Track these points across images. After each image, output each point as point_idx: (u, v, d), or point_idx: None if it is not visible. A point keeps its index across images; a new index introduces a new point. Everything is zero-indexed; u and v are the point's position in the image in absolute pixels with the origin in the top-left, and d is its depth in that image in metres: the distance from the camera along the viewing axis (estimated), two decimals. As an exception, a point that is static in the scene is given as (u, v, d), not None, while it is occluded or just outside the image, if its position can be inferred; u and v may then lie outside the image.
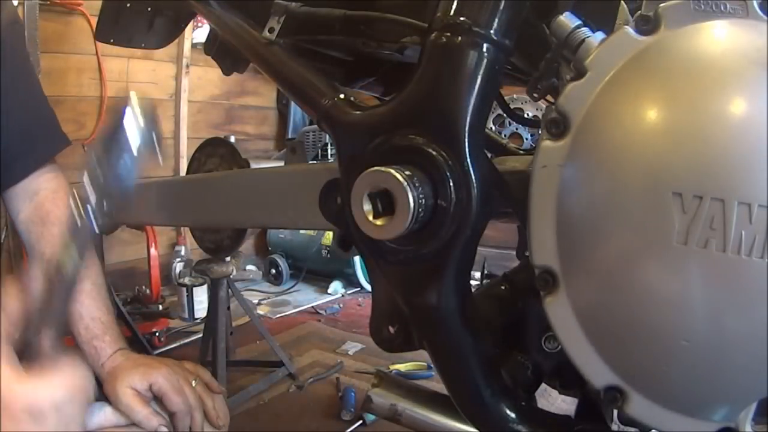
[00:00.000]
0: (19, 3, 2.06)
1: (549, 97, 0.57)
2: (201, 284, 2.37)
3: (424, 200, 0.46)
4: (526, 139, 2.53)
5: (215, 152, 1.63)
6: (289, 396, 1.78)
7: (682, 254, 0.39)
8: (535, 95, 0.56)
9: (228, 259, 1.69)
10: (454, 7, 0.53)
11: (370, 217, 0.50)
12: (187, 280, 2.42)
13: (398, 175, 0.46)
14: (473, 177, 0.51)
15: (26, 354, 0.48)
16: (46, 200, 0.93)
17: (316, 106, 0.63)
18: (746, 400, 0.40)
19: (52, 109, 0.97)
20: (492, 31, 0.52)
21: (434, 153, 0.51)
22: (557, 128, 0.45)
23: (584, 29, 0.47)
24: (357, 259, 2.56)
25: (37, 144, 0.94)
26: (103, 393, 0.76)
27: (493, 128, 2.43)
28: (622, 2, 0.46)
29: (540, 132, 0.47)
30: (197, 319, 2.36)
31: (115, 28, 1.05)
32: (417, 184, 0.46)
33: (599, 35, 0.47)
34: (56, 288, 0.47)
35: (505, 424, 0.54)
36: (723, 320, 0.39)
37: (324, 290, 2.88)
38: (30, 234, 0.90)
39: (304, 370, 1.95)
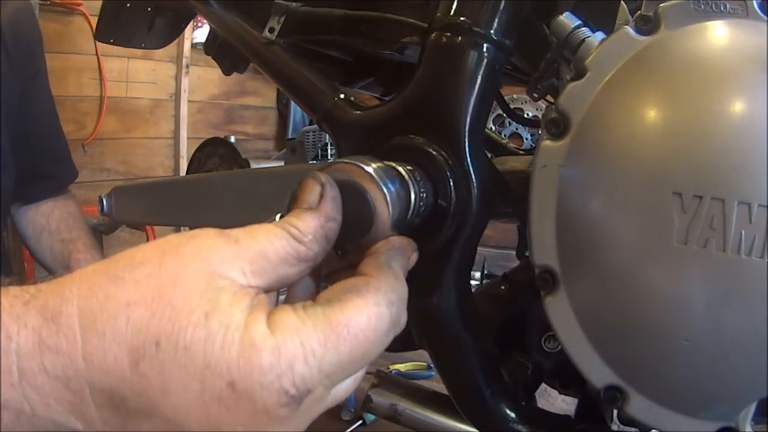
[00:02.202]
0: (19, 3, 2.06)
1: (549, 97, 0.57)
2: (201, 284, 2.37)
3: (424, 194, 0.46)
4: (526, 139, 2.53)
5: (215, 152, 1.63)
6: (289, 396, 1.78)
7: (682, 254, 0.39)
8: (535, 95, 0.56)
9: (228, 259, 1.69)
10: (454, 7, 0.53)
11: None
12: (187, 280, 2.42)
13: (400, 168, 0.46)
14: (473, 177, 0.51)
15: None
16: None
17: (317, 106, 0.63)
18: (746, 400, 0.40)
19: (63, 134, 0.98)
20: (492, 31, 0.52)
21: (434, 153, 0.51)
22: (557, 128, 0.45)
23: (584, 29, 0.47)
24: (357, 259, 2.55)
25: (50, 178, 0.95)
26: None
27: (493, 128, 2.43)
28: (622, 2, 0.46)
29: (540, 132, 0.47)
30: (197, 319, 2.36)
31: (115, 28, 1.05)
32: (418, 178, 0.47)
33: (599, 35, 0.47)
34: None
35: (505, 424, 0.54)
36: (723, 320, 0.39)
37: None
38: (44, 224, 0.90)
39: (304, 370, 1.95)
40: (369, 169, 0.37)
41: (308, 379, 0.26)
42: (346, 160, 0.38)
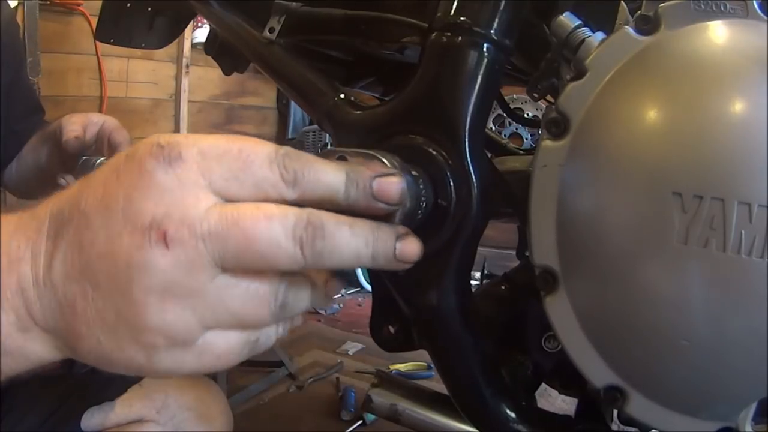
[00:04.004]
0: (19, 3, 2.06)
1: (549, 97, 0.57)
2: (201, 284, 2.37)
3: (425, 195, 0.46)
4: (526, 139, 2.54)
5: (215, 152, 1.63)
6: (289, 396, 1.78)
7: (682, 254, 0.39)
8: (535, 95, 0.56)
9: (228, 259, 1.69)
10: (454, 7, 0.53)
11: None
12: (187, 280, 2.42)
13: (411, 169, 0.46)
14: (473, 177, 0.51)
15: None
16: None
17: (317, 106, 0.63)
18: (746, 400, 0.40)
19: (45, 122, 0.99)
20: (492, 31, 0.52)
21: (434, 153, 0.51)
22: (557, 128, 0.45)
23: (584, 29, 0.47)
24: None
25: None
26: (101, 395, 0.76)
27: (493, 128, 2.43)
28: (622, 2, 0.46)
29: (540, 132, 0.47)
30: (197, 319, 2.36)
31: (115, 28, 1.05)
32: (419, 178, 0.47)
33: (599, 35, 0.47)
34: None
35: (505, 424, 0.54)
36: (723, 320, 0.39)
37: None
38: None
39: (304, 370, 1.95)
40: (387, 162, 0.38)
41: (181, 142, 0.28)
42: (367, 151, 0.38)
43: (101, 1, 1.05)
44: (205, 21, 0.88)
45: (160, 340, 0.28)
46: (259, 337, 0.32)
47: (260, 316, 0.30)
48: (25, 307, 0.29)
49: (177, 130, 2.78)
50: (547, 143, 0.45)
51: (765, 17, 0.41)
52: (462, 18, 0.52)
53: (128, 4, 1.02)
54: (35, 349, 0.31)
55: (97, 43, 2.21)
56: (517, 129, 2.56)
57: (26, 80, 1.01)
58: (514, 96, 2.36)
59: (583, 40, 0.47)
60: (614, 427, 0.56)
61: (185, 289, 0.28)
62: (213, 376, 1.58)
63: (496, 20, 0.52)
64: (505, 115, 0.81)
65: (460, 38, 0.52)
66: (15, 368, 0.31)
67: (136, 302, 0.28)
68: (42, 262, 0.29)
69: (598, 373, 0.44)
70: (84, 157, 0.83)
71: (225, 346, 0.30)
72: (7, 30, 0.87)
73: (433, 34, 0.54)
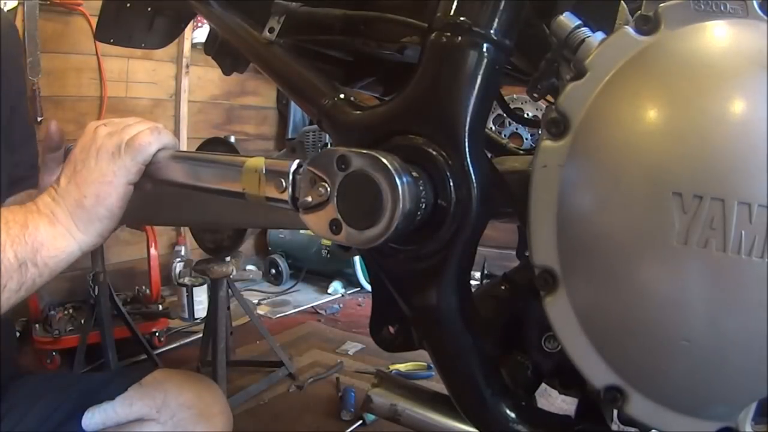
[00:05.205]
0: (18, 3, 2.06)
1: (549, 97, 0.57)
2: (201, 284, 2.38)
3: (425, 196, 0.46)
4: (526, 139, 2.53)
5: (215, 152, 1.63)
6: (289, 396, 1.78)
7: (682, 254, 0.39)
8: (535, 95, 0.56)
9: (228, 259, 1.69)
10: (454, 7, 0.53)
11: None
12: (187, 280, 2.43)
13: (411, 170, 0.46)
14: (473, 177, 0.51)
15: None
16: None
17: (316, 106, 0.63)
18: (746, 400, 0.40)
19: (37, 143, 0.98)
20: (492, 31, 0.52)
21: (434, 153, 0.51)
22: (557, 128, 0.45)
23: (584, 29, 0.47)
24: (357, 259, 2.57)
25: (23, 180, 0.95)
26: (103, 393, 0.76)
27: (493, 128, 2.43)
28: (622, 2, 0.46)
29: (540, 132, 0.47)
30: (197, 319, 2.37)
31: (115, 27, 1.05)
32: (419, 178, 0.46)
33: (599, 35, 0.47)
34: None
35: (505, 424, 0.54)
36: (723, 320, 0.39)
37: (324, 290, 2.88)
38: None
39: (304, 370, 1.95)
40: (387, 162, 0.37)
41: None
42: (367, 151, 0.37)
43: (101, 1, 1.05)
44: (205, 21, 0.88)
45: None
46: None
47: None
48: (51, 213, 0.57)
49: (177, 130, 2.78)
50: (547, 143, 0.45)
51: (765, 17, 0.41)
52: (462, 18, 0.52)
53: (128, 4, 1.02)
54: (62, 243, 0.56)
55: (97, 43, 2.21)
56: (517, 129, 2.55)
57: (25, 107, 1.00)
58: (514, 96, 2.36)
59: (583, 40, 0.47)
60: (614, 427, 0.56)
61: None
62: (213, 377, 1.58)
63: (496, 20, 0.52)
64: (505, 115, 0.81)
65: (460, 38, 0.52)
66: (47, 257, 0.55)
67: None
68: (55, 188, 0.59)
69: (598, 374, 0.44)
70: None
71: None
72: (12, 54, 0.87)
73: (433, 34, 0.54)
